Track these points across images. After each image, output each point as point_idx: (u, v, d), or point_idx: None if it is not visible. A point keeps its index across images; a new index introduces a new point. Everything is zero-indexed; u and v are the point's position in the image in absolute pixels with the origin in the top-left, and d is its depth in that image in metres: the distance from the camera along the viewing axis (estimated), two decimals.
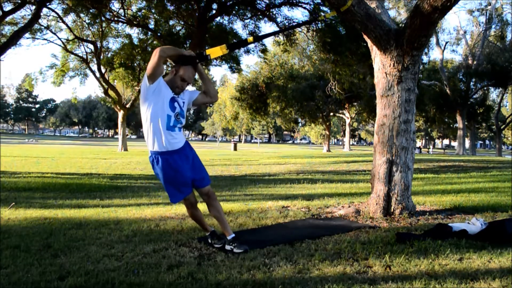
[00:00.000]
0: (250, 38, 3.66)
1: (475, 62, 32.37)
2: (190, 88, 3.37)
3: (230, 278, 2.55)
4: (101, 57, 22.88)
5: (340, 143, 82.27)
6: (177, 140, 3.07)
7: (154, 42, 18.49)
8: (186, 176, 3.11)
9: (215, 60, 17.79)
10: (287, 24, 14.28)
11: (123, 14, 17.14)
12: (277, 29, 14.86)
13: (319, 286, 2.42)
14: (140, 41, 19.85)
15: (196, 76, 3.29)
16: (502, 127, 37.61)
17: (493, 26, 33.18)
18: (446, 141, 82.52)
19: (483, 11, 32.87)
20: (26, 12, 17.07)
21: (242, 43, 4.36)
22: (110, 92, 25.10)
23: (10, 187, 8.04)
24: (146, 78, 2.95)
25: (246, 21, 15.76)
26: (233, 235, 3.22)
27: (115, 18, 17.40)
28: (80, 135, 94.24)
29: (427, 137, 73.70)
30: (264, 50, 17.18)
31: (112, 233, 3.77)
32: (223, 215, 3.28)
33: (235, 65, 18.85)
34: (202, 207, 3.51)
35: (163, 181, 3.14)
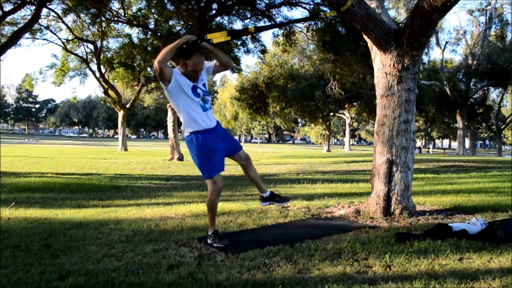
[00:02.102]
0: (251, 28, 3.70)
1: (475, 62, 32.36)
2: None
3: (230, 278, 2.55)
4: (101, 57, 22.88)
5: (340, 143, 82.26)
6: (211, 120, 3.29)
7: (154, 42, 18.49)
8: (221, 152, 3.32)
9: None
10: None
11: (123, 14, 17.13)
12: (277, 29, 14.87)
13: (319, 286, 2.42)
14: (140, 40, 19.85)
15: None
16: (502, 127, 37.59)
17: (493, 26, 33.18)
18: (446, 142, 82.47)
19: (483, 11, 32.87)
20: (26, 12, 17.10)
21: (243, 31, 4.42)
22: (110, 92, 25.09)
23: (10, 187, 8.04)
24: (161, 82, 3.18)
25: (246, 21, 15.76)
26: (268, 192, 3.59)
27: (115, 18, 17.39)
28: (80, 135, 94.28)
29: (427, 137, 73.68)
30: (263, 51, 17.18)
31: (112, 233, 3.77)
32: (258, 177, 3.59)
33: (235, 65, 18.84)
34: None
35: (199, 158, 3.30)
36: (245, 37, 16.26)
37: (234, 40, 16.44)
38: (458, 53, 65.13)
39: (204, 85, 3.29)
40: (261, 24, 15.71)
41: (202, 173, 3.35)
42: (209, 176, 3.30)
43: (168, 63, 3.19)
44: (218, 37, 3.18)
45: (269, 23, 14.27)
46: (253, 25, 15.66)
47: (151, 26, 17.48)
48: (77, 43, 23.18)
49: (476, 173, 11.26)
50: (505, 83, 31.24)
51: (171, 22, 17.25)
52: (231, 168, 14.00)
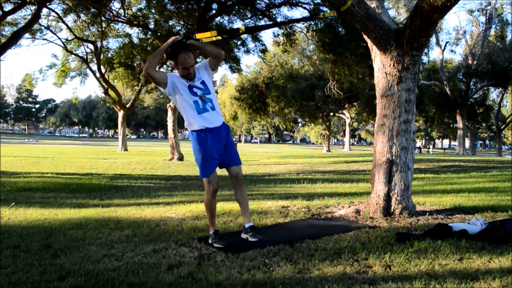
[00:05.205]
0: (242, 28, 3.71)
1: (475, 62, 32.36)
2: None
3: (230, 278, 2.55)
4: (101, 57, 22.88)
5: (340, 143, 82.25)
6: (211, 121, 3.27)
7: (154, 42, 18.49)
8: (214, 152, 3.29)
9: None
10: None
11: (123, 14, 17.14)
12: (277, 28, 14.87)
13: (319, 286, 2.42)
14: (140, 40, 19.85)
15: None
16: (502, 127, 37.59)
17: (493, 26, 33.18)
18: (446, 142, 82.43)
19: (483, 11, 32.86)
20: (26, 12, 17.10)
21: (233, 31, 4.46)
22: (110, 92, 25.10)
23: (10, 187, 8.04)
24: (158, 87, 3.27)
25: (246, 21, 15.76)
26: (251, 224, 3.43)
27: (115, 18, 17.40)
28: (80, 135, 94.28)
29: (427, 137, 73.68)
30: (264, 50, 17.18)
31: (112, 233, 3.77)
32: (246, 202, 3.49)
33: (235, 65, 18.85)
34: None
35: (195, 156, 3.35)
36: (245, 36, 16.24)
37: (234, 40, 16.45)
38: (458, 53, 65.10)
39: (203, 82, 3.29)
40: (261, 23, 15.72)
41: (199, 172, 3.41)
42: (203, 176, 3.36)
43: (156, 68, 3.26)
44: (207, 37, 3.24)
45: (268, 23, 14.30)
46: (254, 25, 15.66)
47: (151, 26, 17.48)
48: (77, 43, 23.19)
49: (476, 173, 11.26)
50: (505, 83, 31.25)
51: (171, 22, 17.26)
52: None
